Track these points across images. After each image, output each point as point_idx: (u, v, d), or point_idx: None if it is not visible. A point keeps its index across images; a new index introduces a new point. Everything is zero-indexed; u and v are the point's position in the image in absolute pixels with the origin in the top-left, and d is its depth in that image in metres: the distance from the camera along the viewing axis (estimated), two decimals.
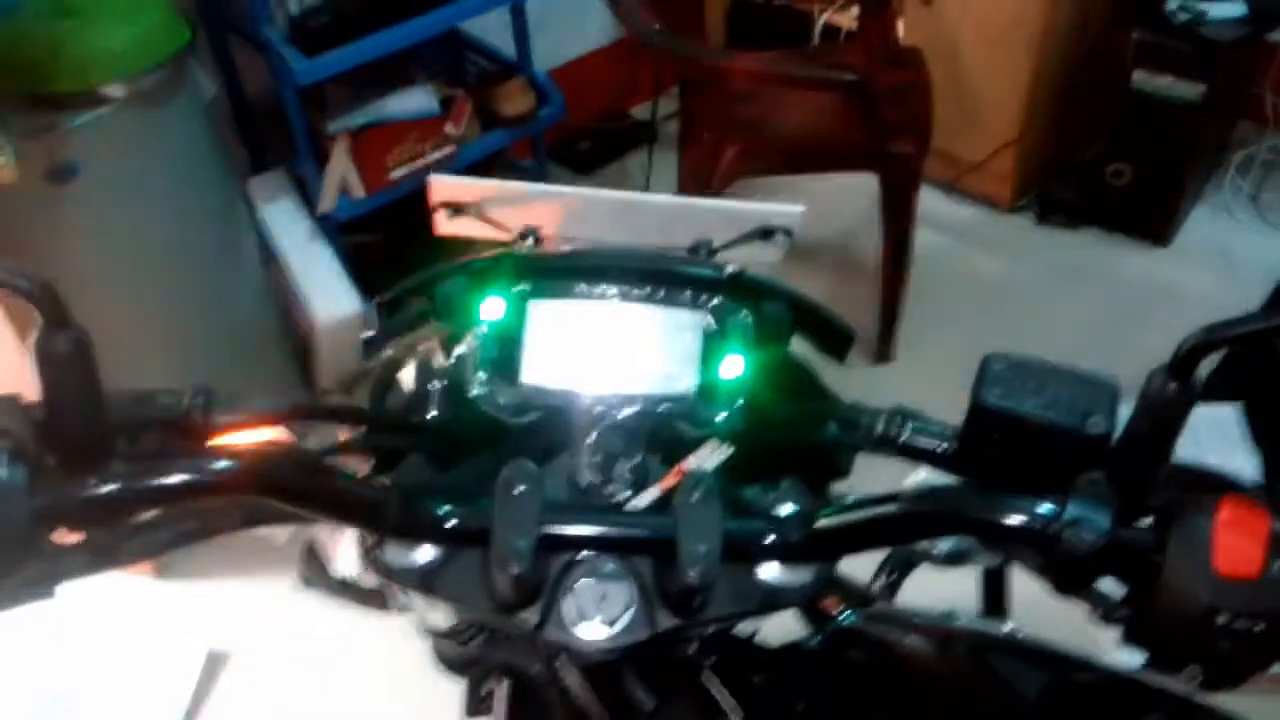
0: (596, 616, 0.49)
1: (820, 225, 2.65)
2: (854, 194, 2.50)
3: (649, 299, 0.61)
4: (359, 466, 0.60)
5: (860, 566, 0.80)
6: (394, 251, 2.41)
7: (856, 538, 0.50)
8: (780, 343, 0.62)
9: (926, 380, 2.08)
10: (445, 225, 0.70)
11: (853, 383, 0.65)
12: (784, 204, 0.69)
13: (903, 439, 0.54)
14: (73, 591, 0.42)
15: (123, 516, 0.43)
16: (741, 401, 0.59)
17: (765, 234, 0.70)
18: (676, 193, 2.31)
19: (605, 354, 0.59)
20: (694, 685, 0.58)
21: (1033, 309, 2.42)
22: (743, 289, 0.62)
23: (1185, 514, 0.40)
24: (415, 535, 0.50)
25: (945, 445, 0.52)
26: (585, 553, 0.50)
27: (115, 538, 0.43)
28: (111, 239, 1.74)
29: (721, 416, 0.58)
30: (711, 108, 2.19)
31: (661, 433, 0.58)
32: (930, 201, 2.73)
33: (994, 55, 2.49)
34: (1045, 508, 0.43)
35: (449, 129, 2.20)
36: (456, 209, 0.69)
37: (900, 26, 2.57)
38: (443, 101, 2.20)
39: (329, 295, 2.16)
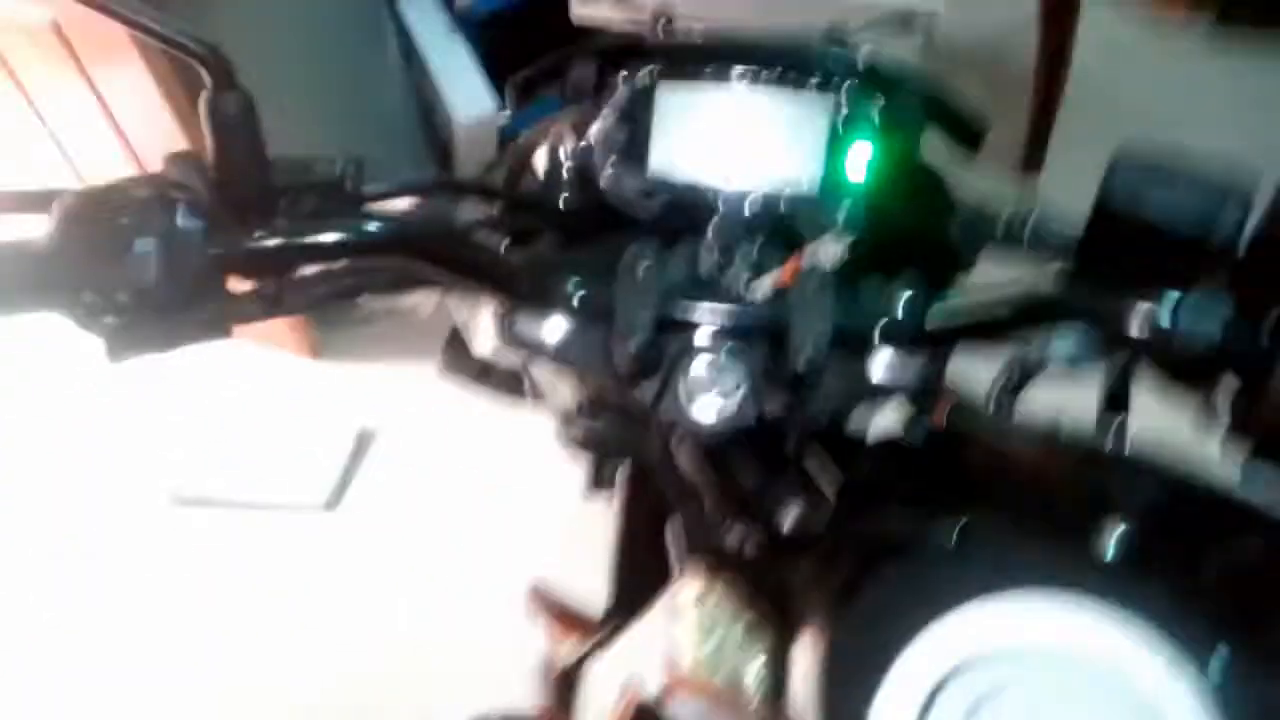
0: (708, 395, 0.51)
1: (973, 23, 2.47)
2: None
3: (778, 82, 0.60)
4: (495, 242, 0.63)
5: (979, 376, 0.81)
6: (532, 49, 2.39)
7: (969, 327, 0.51)
8: (911, 134, 0.61)
9: (1072, 194, 1.97)
10: (581, 8, 0.70)
11: (994, 192, 0.64)
12: None
13: (1027, 232, 0.54)
14: (240, 367, 0.47)
15: (286, 268, 0.47)
16: (864, 195, 0.58)
17: (905, 21, 0.68)
18: None
19: (731, 143, 0.59)
20: (798, 468, 0.60)
21: (1205, 125, 2.24)
22: (876, 76, 0.60)
23: None
24: (546, 304, 0.53)
25: (1066, 240, 0.52)
26: (701, 335, 0.52)
27: (279, 288, 0.47)
28: (260, 26, 1.78)
29: (843, 208, 0.58)
30: None
31: (783, 224, 0.58)
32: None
33: None
34: (1163, 300, 0.43)
35: None
36: None
37: None
38: None
39: (467, 94, 2.18)
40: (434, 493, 1.89)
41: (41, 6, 1.55)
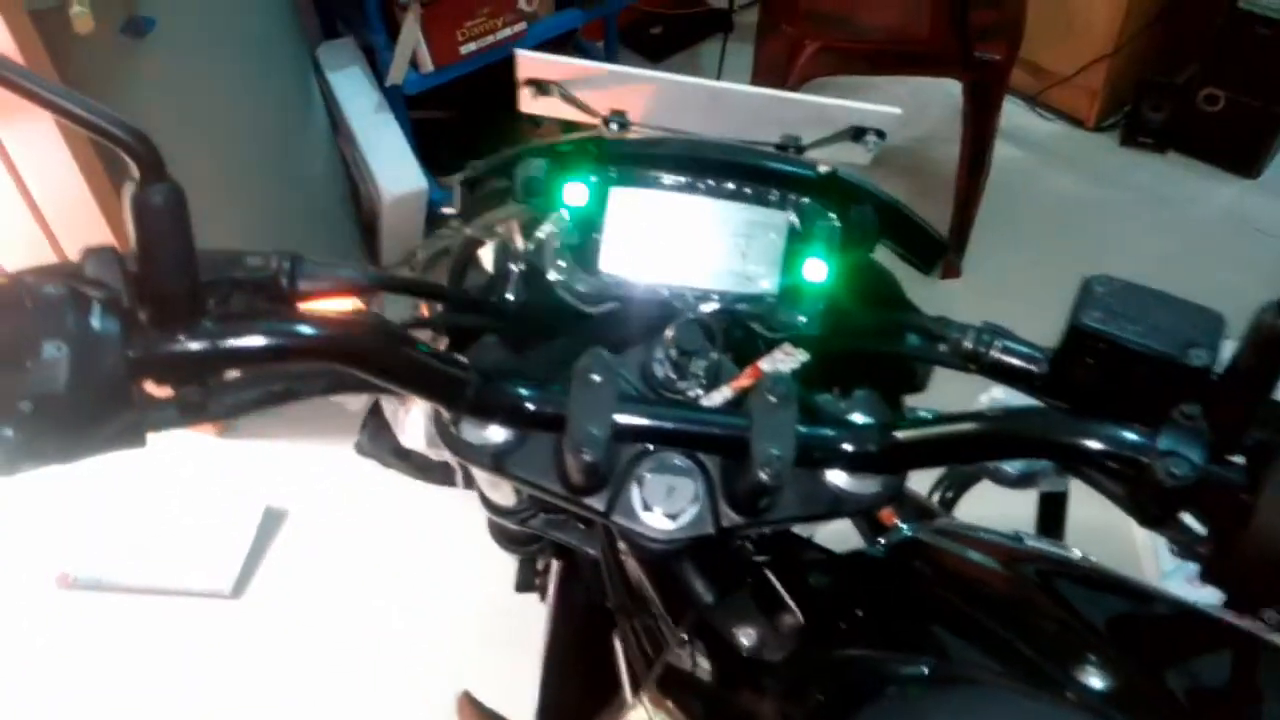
0: (662, 507, 0.49)
1: (895, 129, 2.57)
2: (932, 98, 2.42)
3: (735, 195, 0.59)
4: (435, 343, 0.60)
5: (916, 479, 0.80)
6: (461, 129, 2.39)
7: (935, 452, 0.49)
8: (866, 248, 0.61)
9: (994, 297, 2.08)
10: (529, 103, 0.68)
11: (915, 294, 0.64)
12: (879, 104, 0.66)
13: (991, 356, 0.52)
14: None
15: (210, 373, 0.43)
16: (822, 306, 0.58)
17: (857, 134, 0.67)
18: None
19: (687, 248, 0.58)
20: (752, 582, 0.58)
21: (1110, 233, 2.35)
22: (832, 190, 0.60)
23: None
24: (494, 415, 0.50)
25: (1036, 367, 0.50)
26: (657, 444, 0.50)
27: (203, 394, 0.43)
28: (183, 96, 1.74)
29: (801, 320, 0.58)
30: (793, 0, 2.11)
31: (738, 332, 0.57)
32: (1011, 113, 2.64)
33: None
34: (1137, 437, 0.42)
35: (522, 4, 2.15)
36: (541, 86, 0.67)
37: None
38: None
39: (395, 170, 2.16)
40: (347, 579, 1.80)
41: None
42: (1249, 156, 2.47)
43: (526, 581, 0.81)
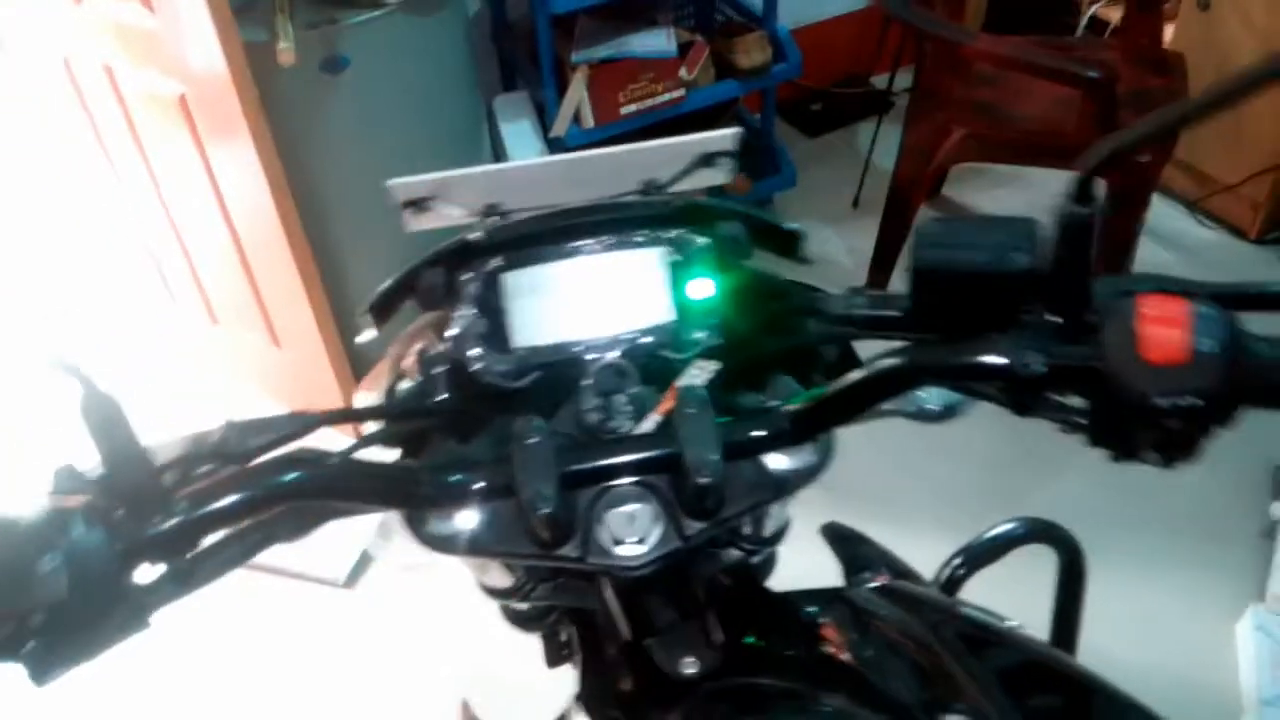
0: (630, 537, 0.53)
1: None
2: None
3: (613, 245, 0.64)
4: (389, 456, 0.64)
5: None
6: None
7: (838, 407, 0.53)
8: (742, 256, 0.65)
9: None
10: (413, 223, 0.72)
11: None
12: (718, 131, 0.71)
13: (860, 314, 0.58)
14: None
15: (191, 543, 0.47)
16: (717, 319, 0.62)
17: (708, 160, 0.71)
18: (895, 169, 2.29)
19: (584, 305, 0.63)
20: (712, 614, 0.63)
21: None
22: (695, 215, 0.65)
23: (1111, 318, 0.43)
24: (451, 502, 0.54)
25: (899, 311, 0.56)
26: (606, 484, 0.53)
27: (191, 564, 0.47)
28: (369, 127, 1.93)
29: (700, 336, 0.62)
30: (947, 86, 2.16)
31: (652, 363, 0.61)
32: (1169, 217, 2.59)
33: None
34: (992, 344, 0.46)
35: (682, 72, 2.27)
36: (419, 204, 0.71)
37: (1170, 29, 2.43)
38: (681, 45, 2.28)
39: None
40: (453, 582, 1.91)
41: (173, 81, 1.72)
42: None
43: (554, 656, 0.82)
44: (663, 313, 0.63)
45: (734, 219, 0.66)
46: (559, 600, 0.69)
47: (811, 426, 0.54)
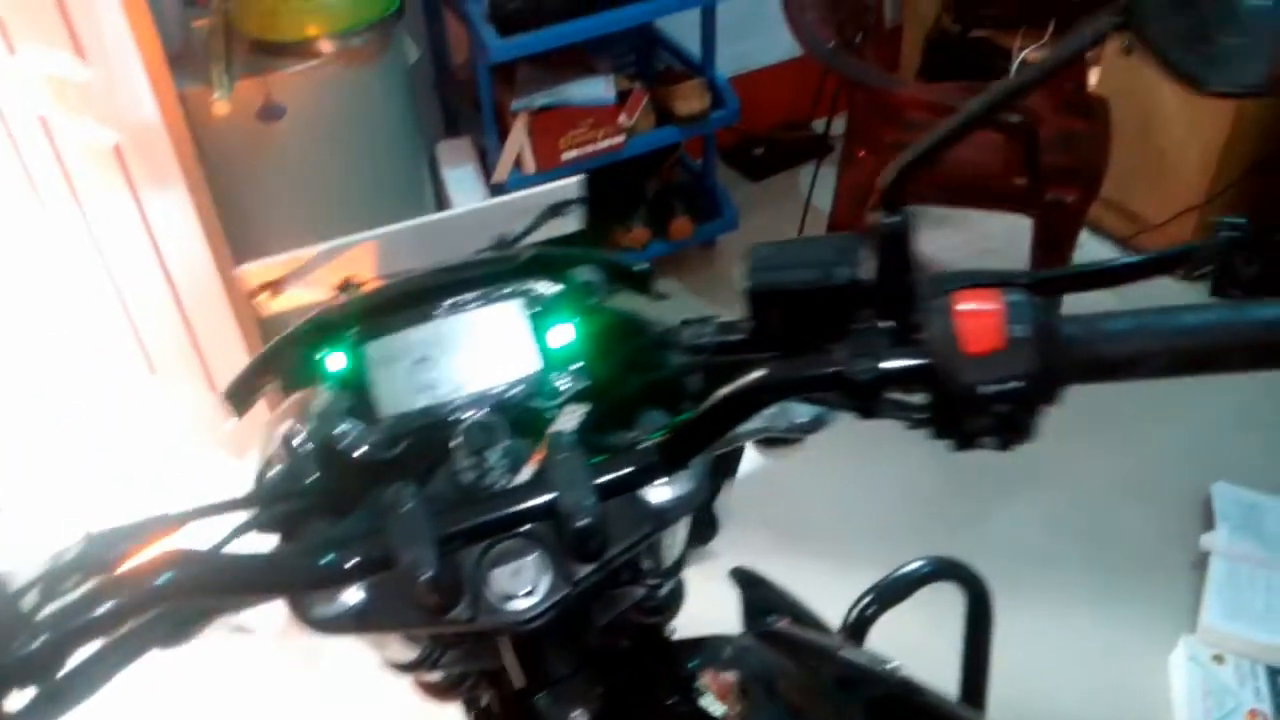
0: (519, 590, 0.52)
1: (976, 261, 2.61)
2: (1017, 234, 2.46)
3: (470, 303, 0.65)
4: (266, 545, 0.62)
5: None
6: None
7: (700, 433, 0.53)
8: (599, 299, 0.66)
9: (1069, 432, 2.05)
10: (270, 306, 0.72)
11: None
12: (560, 182, 0.74)
13: (708, 341, 0.60)
14: None
15: (61, 662, 0.45)
16: (580, 364, 0.63)
17: (556, 210, 0.74)
18: (830, 211, 2.34)
19: (448, 366, 0.63)
20: (600, 667, 0.62)
21: (1189, 383, 2.31)
22: (548, 265, 0.66)
23: (934, 317, 0.44)
24: (331, 583, 0.52)
25: (743, 334, 0.58)
26: (489, 540, 0.53)
27: (62, 683, 0.45)
28: (307, 174, 1.94)
29: (566, 382, 0.63)
30: (877, 130, 2.22)
31: (524, 415, 0.62)
32: (1101, 255, 2.66)
33: (1192, 114, 2.39)
34: (827, 355, 0.47)
35: (622, 119, 2.31)
36: (274, 287, 0.71)
37: (1094, 74, 2.51)
38: (620, 93, 2.32)
39: None
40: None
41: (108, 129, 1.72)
42: None
43: None
44: (528, 364, 0.64)
45: (585, 264, 0.67)
46: (470, 665, 0.68)
47: (680, 455, 0.54)
